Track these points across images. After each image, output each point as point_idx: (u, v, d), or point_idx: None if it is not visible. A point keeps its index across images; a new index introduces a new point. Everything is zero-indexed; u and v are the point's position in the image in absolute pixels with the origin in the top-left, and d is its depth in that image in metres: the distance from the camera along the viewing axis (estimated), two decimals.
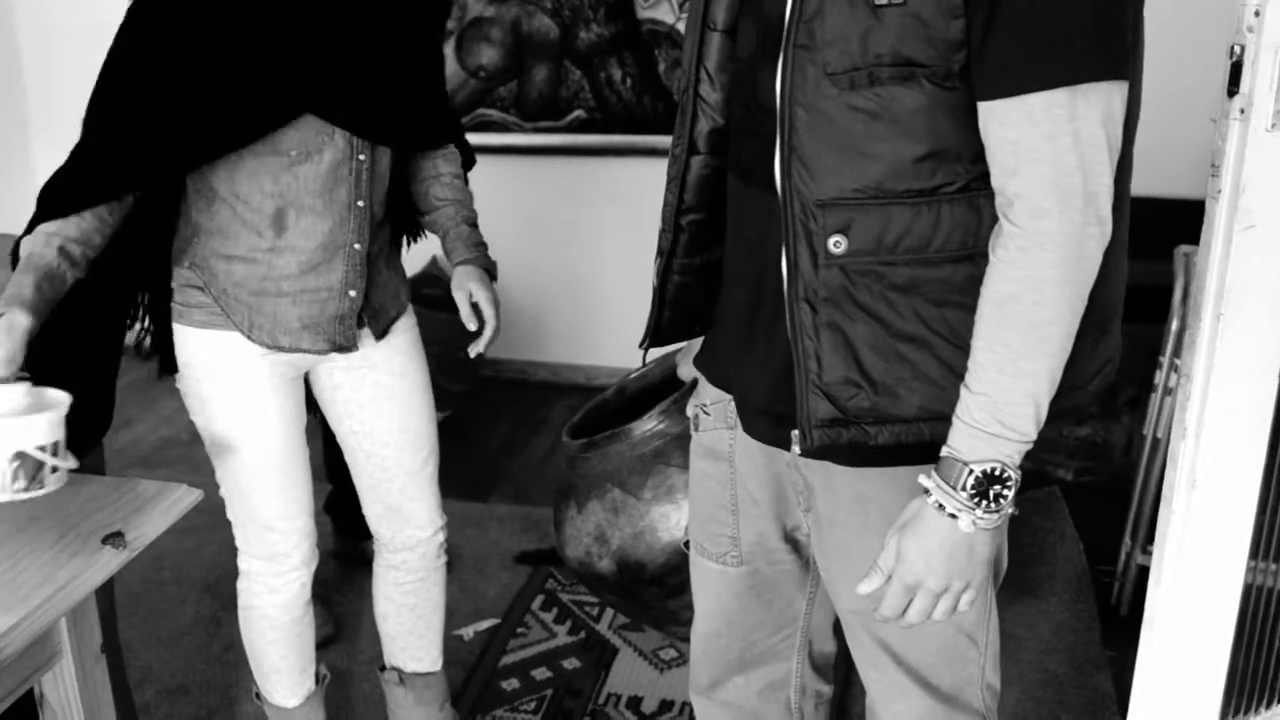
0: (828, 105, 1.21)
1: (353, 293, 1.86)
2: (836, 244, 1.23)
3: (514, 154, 3.75)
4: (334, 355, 1.92)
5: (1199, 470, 1.56)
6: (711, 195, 1.42)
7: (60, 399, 1.45)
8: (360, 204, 1.83)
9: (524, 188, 3.80)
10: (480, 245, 1.97)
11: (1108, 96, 1.15)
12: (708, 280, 1.48)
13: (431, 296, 3.44)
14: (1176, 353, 2.43)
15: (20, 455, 1.37)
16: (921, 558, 1.24)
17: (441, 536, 2.10)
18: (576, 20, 3.60)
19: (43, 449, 1.39)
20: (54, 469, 1.40)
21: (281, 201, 1.78)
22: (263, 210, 1.78)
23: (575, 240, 3.89)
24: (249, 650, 2.06)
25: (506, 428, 3.65)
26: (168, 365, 1.93)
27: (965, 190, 1.21)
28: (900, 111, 1.19)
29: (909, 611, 1.27)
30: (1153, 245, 1.88)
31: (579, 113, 3.70)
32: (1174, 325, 2.47)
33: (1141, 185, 1.31)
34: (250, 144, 1.74)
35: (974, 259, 1.22)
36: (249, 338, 1.84)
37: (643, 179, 3.72)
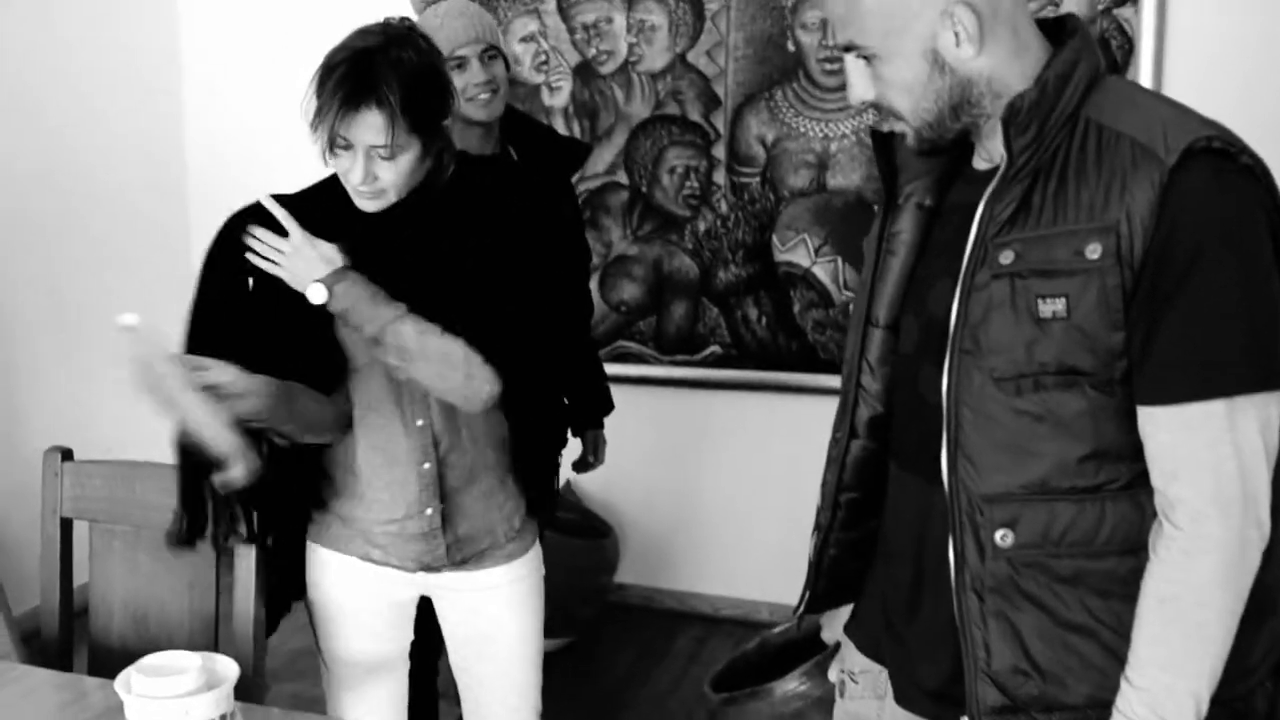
0: (993, 407, 1.26)
1: (429, 511, 1.88)
2: (1003, 537, 1.27)
3: (650, 384, 3.86)
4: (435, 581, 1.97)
5: None
6: (869, 476, 1.47)
7: (229, 672, 1.53)
8: (419, 423, 1.87)
9: (658, 417, 3.90)
10: None
11: (1264, 406, 1.18)
12: (861, 552, 1.53)
13: (565, 521, 3.52)
14: None
15: None
16: None
17: None
18: (716, 261, 3.75)
19: None
20: None
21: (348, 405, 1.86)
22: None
23: (704, 470, 3.95)
24: None
25: (630, 655, 3.64)
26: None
27: (1128, 487, 1.24)
28: (1064, 414, 1.23)
29: None
30: None
31: (714, 348, 3.81)
32: None
33: None
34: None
35: (1137, 553, 1.24)
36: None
37: (774, 414, 3.79)
